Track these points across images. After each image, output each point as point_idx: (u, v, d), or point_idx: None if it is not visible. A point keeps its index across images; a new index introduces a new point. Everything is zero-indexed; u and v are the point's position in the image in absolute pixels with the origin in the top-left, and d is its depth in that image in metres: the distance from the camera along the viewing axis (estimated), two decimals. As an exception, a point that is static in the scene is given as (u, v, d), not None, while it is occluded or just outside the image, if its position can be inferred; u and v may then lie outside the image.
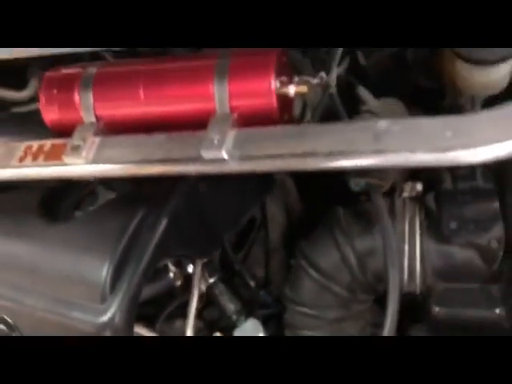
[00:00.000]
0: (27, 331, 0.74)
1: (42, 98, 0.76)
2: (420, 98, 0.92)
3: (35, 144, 0.74)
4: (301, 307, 0.68)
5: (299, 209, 0.87)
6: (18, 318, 0.73)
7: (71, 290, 0.68)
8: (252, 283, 0.84)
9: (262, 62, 0.67)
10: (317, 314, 0.67)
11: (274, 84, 0.66)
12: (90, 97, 0.73)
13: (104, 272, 0.65)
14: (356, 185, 0.65)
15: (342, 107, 0.75)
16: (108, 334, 0.64)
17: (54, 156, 0.71)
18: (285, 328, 0.73)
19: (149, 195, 0.75)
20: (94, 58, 1.00)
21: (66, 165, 0.70)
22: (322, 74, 0.79)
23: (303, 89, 0.71)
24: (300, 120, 0.85)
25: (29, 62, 1.09)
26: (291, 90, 0.70)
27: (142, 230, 0.69)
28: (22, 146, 0.75)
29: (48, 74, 0.77)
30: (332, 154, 0.58)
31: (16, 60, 1.02)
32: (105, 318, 0.64)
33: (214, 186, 0.78)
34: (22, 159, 0.73)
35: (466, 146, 0.54)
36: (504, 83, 0.69)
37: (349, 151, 0.58)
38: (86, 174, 0.70)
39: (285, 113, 0.71)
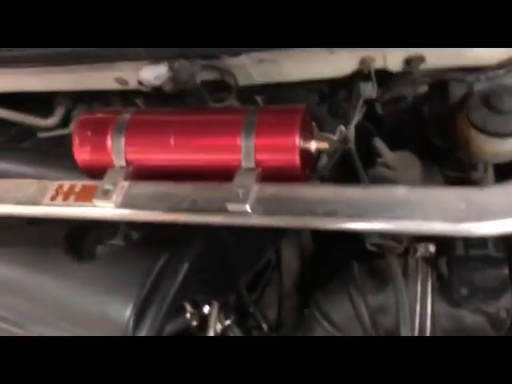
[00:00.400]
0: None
1: (76, 139, 0.80)
2: (432, 153, 0.95)
3: (67, 184, 0.78)
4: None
5: (313, 256, 0.90)
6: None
7: (94, 329, 0.71)
8: (265, 326, 0.86)
9: (288, 119, 0.70)
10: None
11: (299, 141, 0.69)
12: (122, 142, 0.77)
13: (127, 314, 0.69)
14: (371, 244, 0.69)
15: (359, 163, 0.79)
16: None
17: (85, 198, 0.75)
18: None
19: (171, 237, 0.78)
20: (123, 98, 1.06)
21: (95, 207, 0.74)
22: (341, 127, 0.83)
23: (324, 145, 0.75)
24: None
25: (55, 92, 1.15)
26: (313, 145, 0.74)
27: (164, 274, 0.73)
28: (54, 184, 0.78)
29: (83, 116, 0.82)
30: (351, 217, 0.61)
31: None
32: (127, 358, 0.67)
33: (233, 231, 0.81)
34: (53, 198, 0.77)
35: (479, 218, 0.57)
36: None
37: (368, 215, 0.61)
38: (114, 217, 0.74)
39: (306, 167, 0.74)
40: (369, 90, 0.86)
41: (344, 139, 0.81)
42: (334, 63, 0.84)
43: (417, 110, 1.03)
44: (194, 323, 0.80)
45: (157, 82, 0.86)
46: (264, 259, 0.89)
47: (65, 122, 1.28)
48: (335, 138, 0.77)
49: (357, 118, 0.87)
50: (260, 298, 0.93)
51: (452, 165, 0.93)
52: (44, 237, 0.85)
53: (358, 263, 0.73)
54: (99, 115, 0.81)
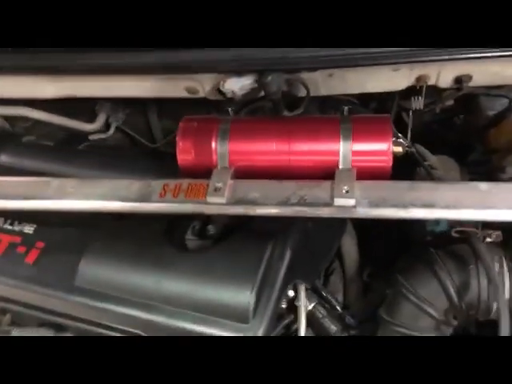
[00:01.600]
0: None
1: (180, 144, 0.88)
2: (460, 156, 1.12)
3: (172, 182, 0.86)
4: (398, 327, 0.83)
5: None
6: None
7: (214, 312, 0.80)
8: (338, 307, 0.98)
9: (381, 127, 0.83)
10: (412, 334, 0.82)
11: (391, 146, 0.82)
12: (226, 146, 0.87)
13: (248, 297, 0.78)
14: (456, 232, 0.83)
15: (423, 162, 0.92)
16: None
17: (195, 195, 0.84)
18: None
19: (269, 229, 0.88)
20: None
21: (206, 203, 0.83)
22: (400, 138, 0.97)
23: (399, 149, 0.88)
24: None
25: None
26: (393, 149, 0.87)
27: (272, 261, 0.83)
28: (159, 183, 0.86)
29: (184, 123, 0.90)
30: (448, 208, 0.75)
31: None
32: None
33: (317, 222, 0.92)
34: (161, 195, 0.85)
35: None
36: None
37: (459, 207, 0.75)
38: (223, 212, 0.83)
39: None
40: (418, 103, 1.01)
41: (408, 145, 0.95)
42: (394, 79, 0.98)
43: (443, 119, 1.20)
44: (284, 306, 0.89)
45: (240, 93, 0.95)
46: (336, 248, 1.01)
47: (106, 126, 1.35)
48: (406, 143, 0.90)
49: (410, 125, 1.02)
50: (326, 285, 1.04)
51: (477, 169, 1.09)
52: (145, 232, 0.92)
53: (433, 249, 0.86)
54: (200, 122, 0.90)
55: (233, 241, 0.88)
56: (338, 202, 0.78)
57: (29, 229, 1.00)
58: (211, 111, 1.16)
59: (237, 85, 0.94)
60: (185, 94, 1.07)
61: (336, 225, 1.01)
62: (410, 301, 0.82)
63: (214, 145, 0.87)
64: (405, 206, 0.76)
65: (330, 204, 0.79)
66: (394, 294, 0.86)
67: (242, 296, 0.78)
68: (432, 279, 0.81)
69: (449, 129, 1.16)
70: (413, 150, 0.93)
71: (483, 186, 0.76)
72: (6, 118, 1.33)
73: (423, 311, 0.81)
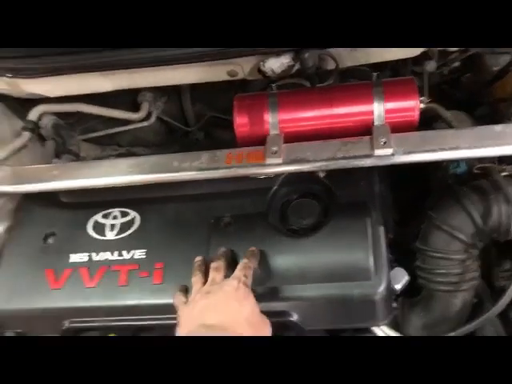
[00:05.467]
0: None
1: (236, 119, 1.04)
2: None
3: (234, 151, 1.02)
4: (433, 253, 0.99)
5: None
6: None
7: (344, 277, 0.93)
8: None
9: (409, 87, 0.99)
10: (447, 257, 0.98)
11: (419, 103, 0.98)
12: (276, 116, 1.02)
13: (370, 259, 0.94)
14: (477, 168, 0.99)
15: (446, 113, 1.08)
16: (381, 300, 0.92)
17: (256, 159, 1.00)
18: (417, 271, 1.04)
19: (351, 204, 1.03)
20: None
21: (266, 165, 0.99)
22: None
23: (421, 106, 1.04)
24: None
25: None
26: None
27: (373, 227, 0.98)
28: (223, 152, 1.02)
29: (237, 101, 1.06)
30: (470, 148, 0.91)
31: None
32: (380, 288, 0.92)
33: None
34: (228, 161, 1.01)
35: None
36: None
37: (480, 146, 0.91)
38: (282, 171, 0.99)
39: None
40: (431, 66, 1.17)
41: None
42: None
43: (451, 80, 1.35)
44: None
45: (279, 70, 1.10)
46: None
47: (150, 114, 1.47)
48: (425, 100, 1.06)
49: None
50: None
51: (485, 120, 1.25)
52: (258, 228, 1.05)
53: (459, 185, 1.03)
54: (251, 98, 1.05)
55: (335, 221, 1.01)
56: (378, 152, 0.94)
57: (140, 254, 1.07)
58: (239, 93, 1.29)
59: (276, 63, 1.08)
60: (226, 77, 1.21)
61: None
62: (442, 230, 0.98)
63: (266, 116, 1.02)
64: (434, 150, 0.92)
65: (371, 155, 0.95)
66: (427, 227, 1.02)
67: (365, 260, 0.94)
68: (459, 210, 0.97)
69: (457, 88, 1.31)
70: (434, 105, 1.08)
71: (498, 127, 0.92)
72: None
73: (454, 237, 0.98)
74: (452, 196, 0.99)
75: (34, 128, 1.37)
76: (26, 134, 1.35)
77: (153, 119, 1.48)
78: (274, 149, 0.99)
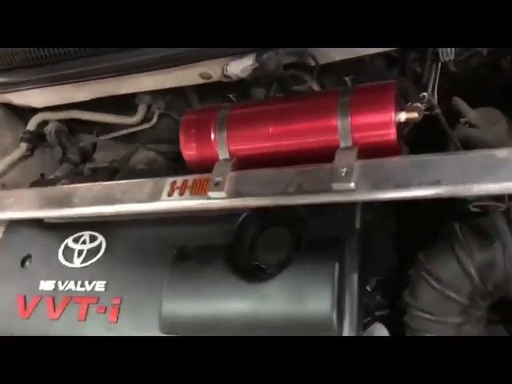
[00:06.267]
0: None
1: (182, 138, 0.88)
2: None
3: (179, 179, 0.87)
4: (421, 313, 0.76)
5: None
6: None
7: (302, 330, 0.77)
8: (368, 287, 0.92)
9: (382, 96, 0.74)
10: (438, 320, 0.75)
11: (394, 116, 0.73)
12: (225, 136, 0.84)
13: (333, 312, 0.74)
14: (474, 206, 0.72)
15: (448, 127, 0.81)
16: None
17: (199, 190, 0.83)
18: (405, 329, 0.82)
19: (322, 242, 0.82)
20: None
21: (209, 198, 0.82)
22: (425, 94, 0.86)
23: (414, 115, 0.79)
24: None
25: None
26: (403, 117, 0.78)
27: (343, 271, 0.77)
28: (167, 181, 0.87)
29: (185, 116, 0.89)
30: (455, 184, 0.66)
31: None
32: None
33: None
34: (170, 194, 0.86)
35: None
36: None
37: (471, 181, 0.65)
38: (226, 206, 0.82)
39: (400, 139, 0.78)
40: (447, 52, 0.88)
41: (431, 106, 0.84)
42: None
43: (494, 63, 1.03)
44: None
45: (243, 75, 0.91)
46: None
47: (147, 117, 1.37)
48: (422, 106, 0.80)
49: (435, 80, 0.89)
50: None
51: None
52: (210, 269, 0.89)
53: (458, 224, 0.77)
54: (200, 114, 0.88)
55: (297, 264, 0.82)
56: (337, 186, 0.73)
57: (100, 286, 0.99)
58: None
59: (238, 67, 0.90)
60: (201, 80, 1.05)
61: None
62: (431, 285, 0.75)
63: (213, 136, 0.85)
64: (409, 185, 0.68)
65: (328, 190, 0.74)
66: (416, 277, 0.78)
67: (325, 311, 0.75)
68: (453, 262, 0.73)
69: (496, 72, 1.00)
70: (437, 111, 0.82)
71: (502, 152, 0.65)
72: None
73: (445, 296, 0.74)
74: (445, 238, 0.74)
75: (32, 138, 1.36)
76: (24, 146, 1.35)
77: (154, 119, 1.38)
78: (218, 179, 0.82)
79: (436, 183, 0.67)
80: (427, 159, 0.70)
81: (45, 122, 1.38)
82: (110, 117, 1.35)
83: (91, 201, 0.92)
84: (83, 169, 1.38)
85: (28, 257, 1.12)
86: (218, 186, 0.81)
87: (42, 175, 1.45)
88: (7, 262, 1.14)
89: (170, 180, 0.87)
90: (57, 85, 1.07)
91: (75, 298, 1.01)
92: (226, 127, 0.84)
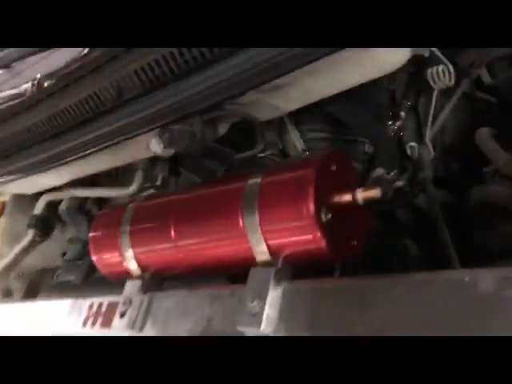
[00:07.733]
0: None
1: (91, 250, 0.69)
2: None
3: (96, 301, 0.67)
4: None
5: None
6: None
7: None
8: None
9: (298, 186, 0.47)
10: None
11: (317, 213, 0.45)
12: (128, 242, 0.63)
13: None
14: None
15: (444, 227, 0.51)
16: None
17: (108, 319, 0.64)
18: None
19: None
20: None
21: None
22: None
23: (375, 193, 0.50)
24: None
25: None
26: (359, 197, 0.49)
27: None
28: (86, 302, 0.69)
29: (95, 222, 0.71)
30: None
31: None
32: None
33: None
34: (86, 319, 0.67)
35: None
36: None
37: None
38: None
39: (344, 236, 0.50)
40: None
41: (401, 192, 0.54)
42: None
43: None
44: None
45: (166, 154, 0.71)
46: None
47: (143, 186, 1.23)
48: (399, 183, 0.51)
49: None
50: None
51: None
52: None
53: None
54: (108, 218, 0.69)
55: None
56: (246, 330, 0.47)
57: None
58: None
59: (159, 146, 0.70)
60: (149, 154, 0.87)
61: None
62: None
63: (118, 243, 0.65)
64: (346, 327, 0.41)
65: (236, 333, 0.48)
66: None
67: None
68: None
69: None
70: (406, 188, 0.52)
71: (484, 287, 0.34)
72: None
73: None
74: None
75: (38, 222, 1.29)
76: (31, 232, 1.28)
77: (159, 182, 1.23)
78: (123, 309, 0.61)
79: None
80: (381, 283, 0.41)
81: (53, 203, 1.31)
82: (105, 191, 1.22)
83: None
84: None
85: None
86: (123, 316, 0.60)
87: (63, 254, 1.38)
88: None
89: (88, 301, 0.68)
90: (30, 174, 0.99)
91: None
92: (129, 236, 0.63)
